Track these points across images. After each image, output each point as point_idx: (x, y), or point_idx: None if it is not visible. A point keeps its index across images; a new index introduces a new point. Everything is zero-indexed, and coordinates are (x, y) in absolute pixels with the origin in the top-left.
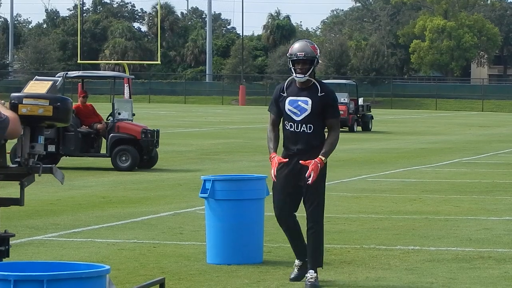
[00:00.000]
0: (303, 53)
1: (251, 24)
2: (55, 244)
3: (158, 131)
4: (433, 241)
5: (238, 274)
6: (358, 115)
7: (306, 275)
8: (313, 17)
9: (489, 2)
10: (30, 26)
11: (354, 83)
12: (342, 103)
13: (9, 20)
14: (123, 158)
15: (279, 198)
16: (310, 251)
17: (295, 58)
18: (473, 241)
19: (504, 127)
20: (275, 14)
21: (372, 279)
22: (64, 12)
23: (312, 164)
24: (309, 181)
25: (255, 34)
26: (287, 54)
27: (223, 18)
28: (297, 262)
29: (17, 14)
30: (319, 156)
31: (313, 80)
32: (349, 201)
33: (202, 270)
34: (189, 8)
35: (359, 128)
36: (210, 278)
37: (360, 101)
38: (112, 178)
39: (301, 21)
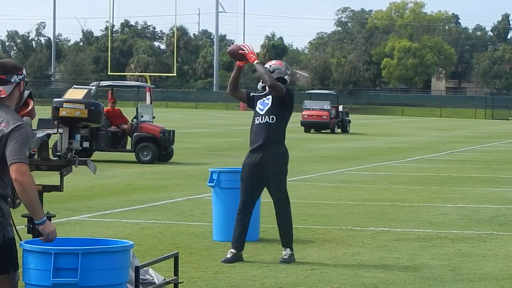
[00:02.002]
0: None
1: (251, 43)
2: (88, 223)
3: (174, 131)
4: (399, 224)
5: None
6: (338, 119)
7: (283, 252)
8: (302, 39)
9: (446, 27)
10: (69, 44)
11: (335, 93)
12: (325, 109)
13: (52, 38)
14: (145, 153)
15: (246, 191)
16: (281, 233)
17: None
18: (432, 224)
19: (458, 131)
20: (271, 35)
21: (349, 255)
22: (97, 33)
23: (251, 52)
24: (241, 45)
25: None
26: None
27: (228, 38)
28: (233, 250)
29: (58, 34)
30: (257, 59)
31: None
32: (330, 190)
33: (209, 246)
34: (200, 30)
35: (339, 130)
36: (215, 253)
37: (340, 108)
38: (136, 169)
39: (292, 42)
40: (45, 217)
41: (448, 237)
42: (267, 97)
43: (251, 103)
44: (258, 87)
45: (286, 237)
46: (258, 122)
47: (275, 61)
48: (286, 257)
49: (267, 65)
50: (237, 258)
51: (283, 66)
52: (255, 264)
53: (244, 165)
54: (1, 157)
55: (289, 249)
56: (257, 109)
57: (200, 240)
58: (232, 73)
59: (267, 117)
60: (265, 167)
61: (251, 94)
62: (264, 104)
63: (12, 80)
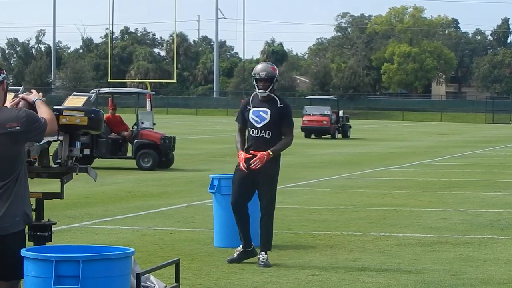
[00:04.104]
0: (265, 72)
1: (251, 49)
2: (89, 230)
3: (174, 138)
4: (401, 229)
5: None
6: (339, 125)
7: (258, 256)
8: (301, 44)
9: (446, 32)
10: (69, 51)
11: (335, 98)
12: (325, 114)
13: (52, 46)
14: (146, 159)
15: (236, 189)
16: (262, 237)
17: (258, 76)
18: (433, 229)
19: (458, 135)
20: (271, 41)
21: (350, 260)
22: (97, 40)
23: (260, 154)
24: (252, 166)
25: (254, 58)
26: (252, 73)
27: (228, 44)
28: (240, 248)
29: (58, 41)
30: (268, 151)
31: (273, 95)
32: (331, 195)
33: (210, 252)
34: (200, 36)
35: (340, 136)
36: (217, 259)
37: (340, 113)
38: (136, 176)
39: (292, 47)
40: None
41: (449, 242)
42: (264, 109)
43: (243, 118)
44: (261, 93)
45: (266, 241)
46: (254, 134)
47: (264, 66)
48: (265, 260)
49: (258, 72)
50: (242, 256)
51: (263, 67)
52: (257, 270)
53: (237, 168)
54: (18, 154)
55: (264, 253)
56: (251, 120)
57: (201, 246)
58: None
59: (263, 131)
60: (258, 172)
61: (243, 108)
62: (260, 117)
63: None
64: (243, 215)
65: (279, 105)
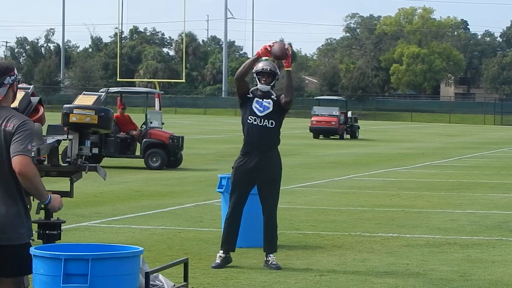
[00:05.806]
0: (268, 67)
1: (258, 49)
2: (98, 229)
3: (183, 137)
4: (409, 230)
5: (247, 255)
6: (347, 125)
7: (267, 259)
8: (310, 45)
9: (455, 33)
10: (78, 50)
11: (344, 99)
12: (334, 115)
13: (61, 45)
14: (154, 159)
15: (237, 195)
16: (268, 239)
17: (260, 70)
18: (441, 230)
19: (467, 136)
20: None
21: (358, 260)
22: (106, 39)
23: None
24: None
25: (263, 58)
26: (253, 71)
27: (236, 45)
28: (222, 253)
29: (67, 40)
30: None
31: (273, 92)
32: (339, 196)
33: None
34: (209, 36)
35: (348, 136)
36: None
37: (349, 114)
38: (145, 175)
39: (300, 48)
40: (49, 195)
41: (457, 243)
42: (267, 100)
43: (245, 100)
44: (262, 88)
45: (274, 243)
46: (255, 123)
47: (267, 62)
48: (275, 262)
49: (261, 67)
50: (226, 261)
51: (267, 63)
52: (265, 270)
53: (237, 169)
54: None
55: (272, 255)
56: (254, 108)
57: (209, 246)
58: (248, 60)
59: (266, 121)
60: (260, 171)
61: (249, 93)
62: (263, 107)
63: (6, 82)
64: (239, 218)
65: (275, 97)
